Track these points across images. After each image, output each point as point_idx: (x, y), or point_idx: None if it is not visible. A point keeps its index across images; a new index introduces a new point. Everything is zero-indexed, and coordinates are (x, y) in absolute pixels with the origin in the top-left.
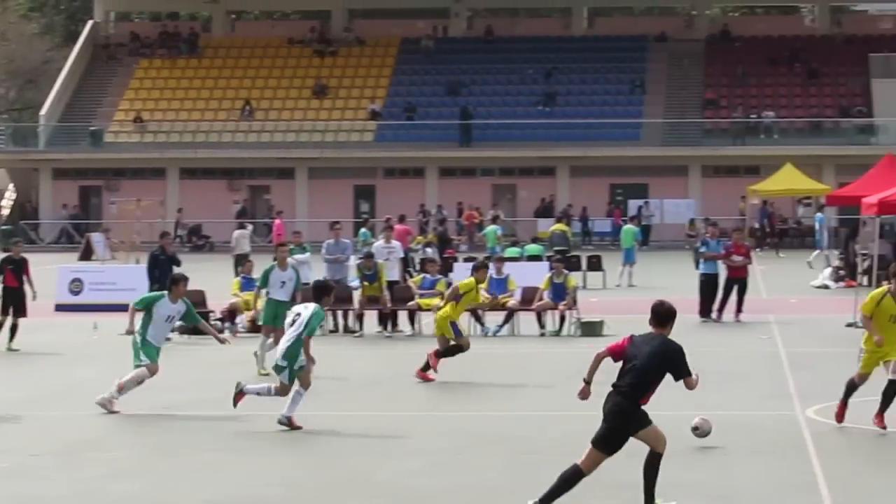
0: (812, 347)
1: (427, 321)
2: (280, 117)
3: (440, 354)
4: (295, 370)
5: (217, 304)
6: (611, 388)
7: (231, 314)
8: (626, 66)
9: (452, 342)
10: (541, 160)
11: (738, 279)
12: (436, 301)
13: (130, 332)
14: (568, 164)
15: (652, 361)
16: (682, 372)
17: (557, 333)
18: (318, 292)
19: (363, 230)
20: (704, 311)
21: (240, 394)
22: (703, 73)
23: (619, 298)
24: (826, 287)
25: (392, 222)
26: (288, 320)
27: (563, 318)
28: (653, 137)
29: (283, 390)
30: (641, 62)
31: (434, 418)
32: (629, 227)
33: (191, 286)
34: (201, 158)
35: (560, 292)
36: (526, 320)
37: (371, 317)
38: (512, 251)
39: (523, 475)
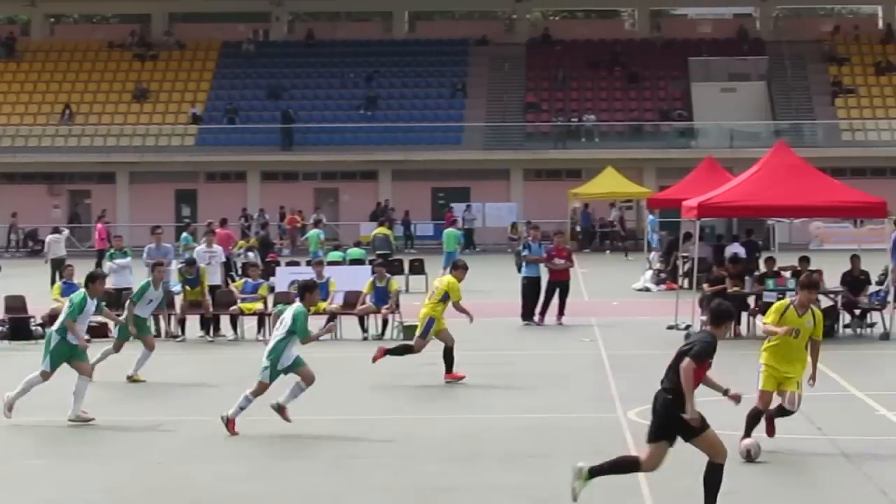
0: (634, 350)
1: (250, 325)
2: (100, 121)
3: (389, 351)
4: (277, 370)
5: (38, 308)
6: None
7: (52, 319)
8: (448, 69)
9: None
10: (363, 164)
11: (560, 282)
12: (258, 305)
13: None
14: (390, 168)
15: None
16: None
17: (380, 337)
18: (301, 291)
19: (185, 234)
20: (526, 315)
21: (230, 422)
22: (525, 76)
23: None
24: (647, 290)
25: (214, 227)
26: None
27: (385, 322)
28: (474, 141)
29: (259, 390)
30: (463, 66)
31: (257, 423)
32: (451, 231)
33: (11, 291)
34: (20, 163)
35: (383, 296)
36: (348, 324)
37: (193, 321)
38: (334, 255)
39: (348, 479)
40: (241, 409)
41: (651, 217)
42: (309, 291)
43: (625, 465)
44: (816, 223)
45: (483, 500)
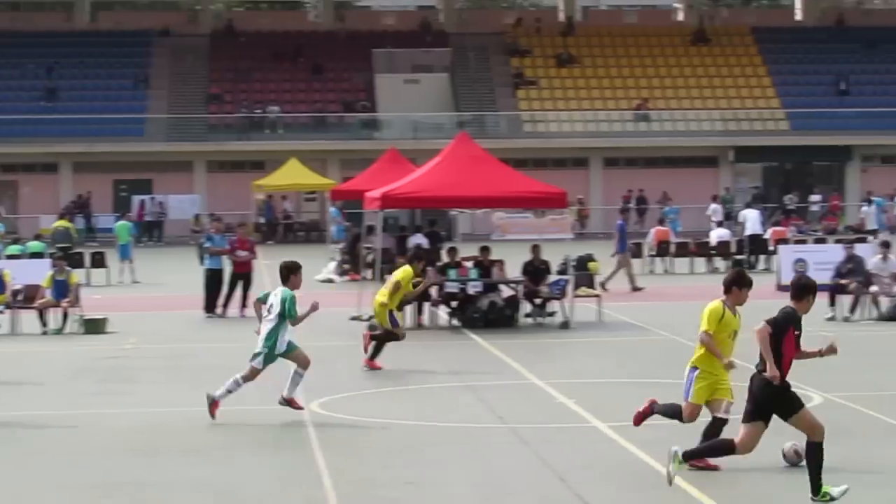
0: (316, 341)
1: None
2: None
3: (375, 338)
4: (274, 355)
5: None
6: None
7: None
8: (130, 60)
9: (388, 331)
10: (43, 156)
11: (243, 274)
12: None
13: None
14: (71, 160)
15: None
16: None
17: (60, 331)
18: (285, 273)
19: None
20: (209, 307)
21: (213, 403)
22: (208, 68)
23: (123, 295)
24: (331, 281)
25: None
26: (266, 306)
27: (65, 316)
28: (157, 133)
29: (251, 375)
30: (145, 57)
31: None
32: (123, 223)
33: None
34: None
35: (62, 289)
36: (27, 318)
37: None
38: (13, 248)
39: (28, 476)
40: (229, 392)
41: (333, 209)
42: (293, 273)
43: (720, 448)
44: (499, 213)
45: (166, 494)
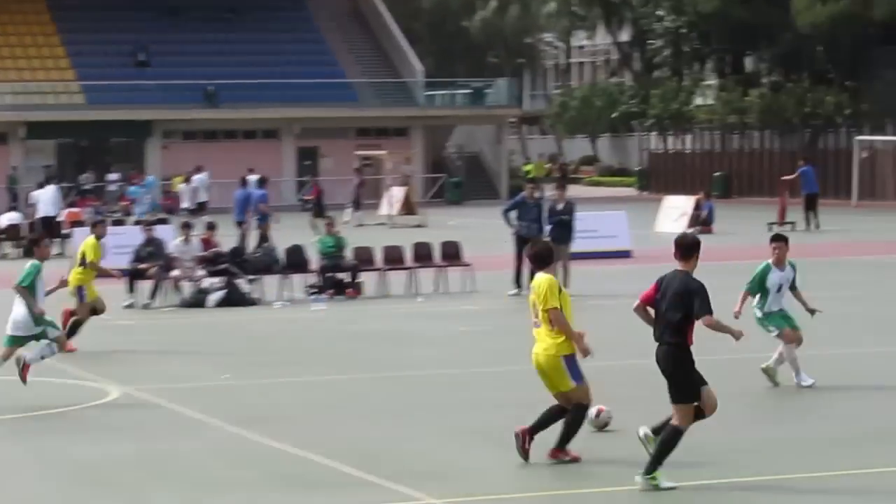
0: None
1: None
2: None
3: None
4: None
5: None
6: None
7: None
8: None
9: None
10: None
11: None
12: None
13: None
14: None
15: (673, 301)
16: (699, 310)
17: None
18: (30, 244)
19: None
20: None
21: (25, 367)
22: None
23: None
24: None
25: None
26: None
27: None
28: None
29: (60, 343)
30: None
31: None
32: None
33: None
34: None
35: None
36: None
37: None
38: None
39: None
40: (39, 355)
41: None
42: (36, 245)
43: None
44: None
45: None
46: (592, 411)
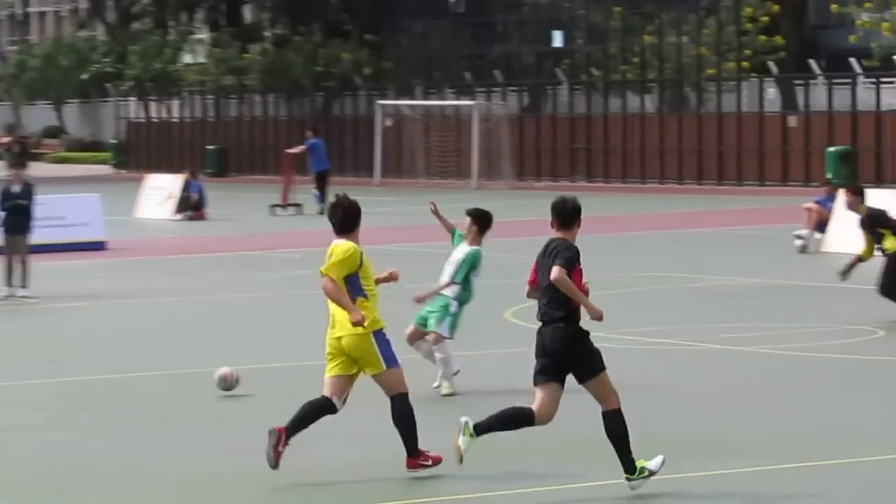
0: None
1: None
2: None
3: None
4: None
5: None
6: (539, 323)
7: None
8: None
9: None
10: None
11: None
12: None
13: None
14: None
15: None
16: (555, 260)
17: None
18: None
19: None
20: None
21: None
22: None
23: None
24: None
25: None
26: None
27: None
28: None
29: None
30: None
31: None
32: None
33: None
34: None
35: None
36: None
37: None
38: None
39: None
40: None
41: None
42: None
43: (519, 419)
44: None
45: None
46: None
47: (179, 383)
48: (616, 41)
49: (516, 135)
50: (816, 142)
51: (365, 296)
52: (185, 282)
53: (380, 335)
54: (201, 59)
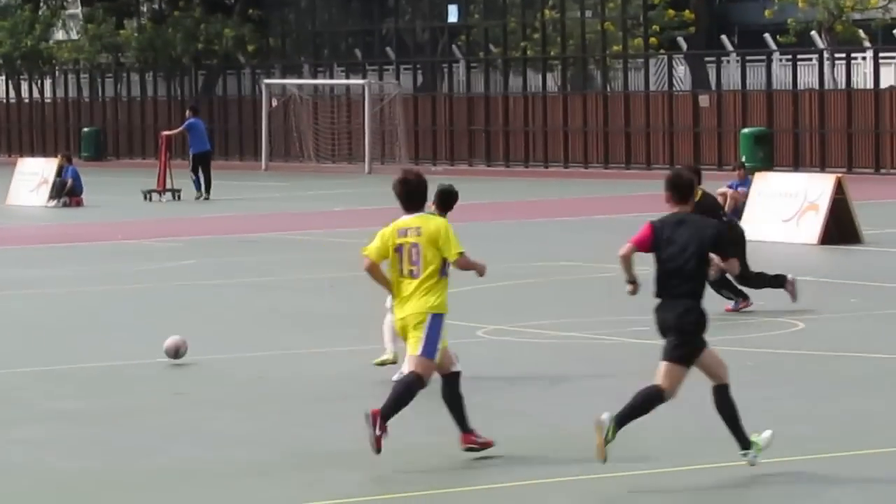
0: None
1: None
2: None
3: None
4: None
5: None
6: (658, 297)
7: None
8: None
9: None
10: None
11: None
12: None
13: None
14: None
15: (693, 247)
16: (728, 252)
17: None
18: None
19: None
20: None
21: None
22: None
23: None
24: None
25: None
26: None
27: None
28: None
29: None
30: None
31: None
32: None
33: None
34: None
35: None
36: None
37: None
38: None
39: None
40: None
41: None
42: None
43: (652, 399)
44: None
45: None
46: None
47: (44, 380)
48: (515, 16)
49: (411, 116)
50: (729, 122)
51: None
52: (60, 272)
53: (437, 319)
54: (74, 36)
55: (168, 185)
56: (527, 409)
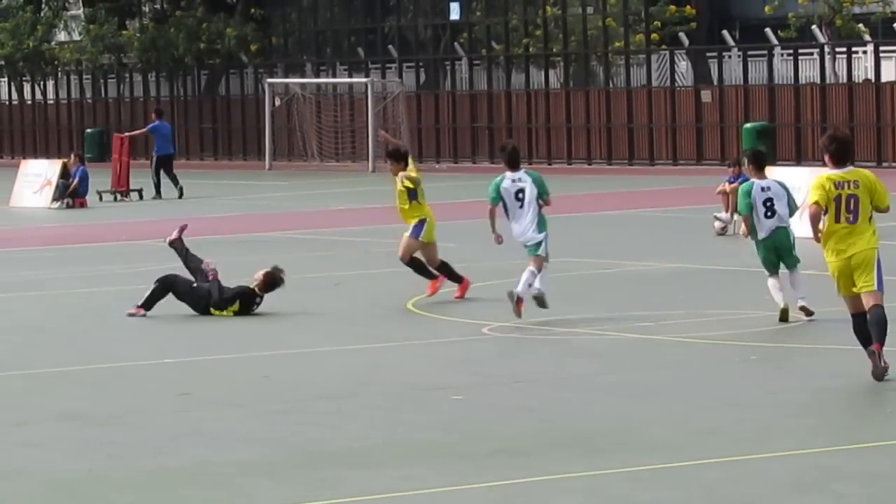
0: None
1: None
2: None
3: None
4: None
5: None
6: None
7: None
8: None
9: None
10: None
11: None
12: None
13: None
14: None
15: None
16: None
17: None
18: None
19: None
20: None
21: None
22: None
23: None
24: None
25: None
26: None
27: None
28: None
29: None
30: None
31: None
32: None
33: None
34: None
35: None
36: None
37: None
38: None
39: None
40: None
41: None
42: None
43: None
44: None
45: None
46: None
47: (50, 381)
48: (517, 13)
49: (414, 114)
50: (732, 117)
51: None
52: (65, 274)
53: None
54: (76, 37)
55: (132, 186)
56: (533, 406)
